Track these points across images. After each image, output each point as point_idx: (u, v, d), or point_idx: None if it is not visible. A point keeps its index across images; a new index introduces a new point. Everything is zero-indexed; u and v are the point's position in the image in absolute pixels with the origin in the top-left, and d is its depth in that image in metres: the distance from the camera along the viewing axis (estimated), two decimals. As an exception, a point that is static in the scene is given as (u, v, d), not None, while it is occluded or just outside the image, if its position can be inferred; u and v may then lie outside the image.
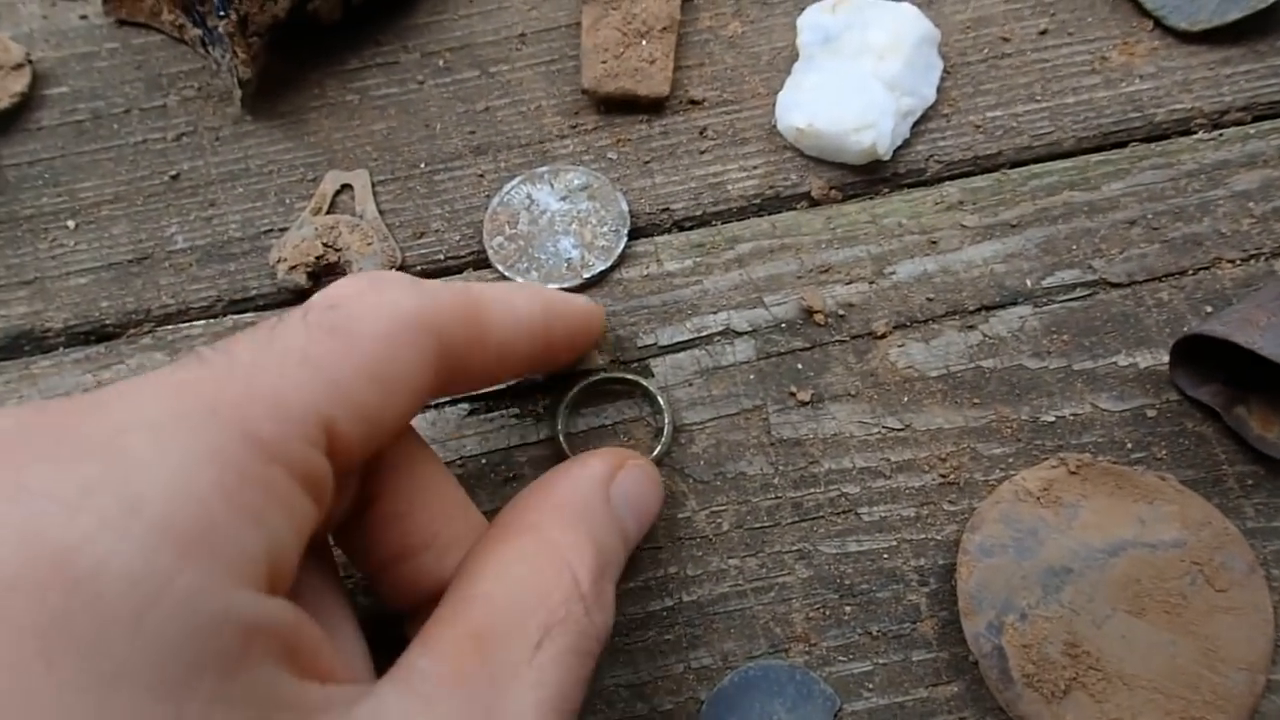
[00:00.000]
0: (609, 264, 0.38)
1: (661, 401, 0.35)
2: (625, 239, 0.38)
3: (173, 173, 0.42)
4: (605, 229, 0.39)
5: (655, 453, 0.34)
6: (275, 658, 0.19)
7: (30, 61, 0.43)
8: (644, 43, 0.42)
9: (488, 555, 0.24)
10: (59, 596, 0.16)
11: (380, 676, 0.22)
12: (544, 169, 0.40)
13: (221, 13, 0.38)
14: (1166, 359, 0.36)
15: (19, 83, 0.43)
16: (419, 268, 0.39)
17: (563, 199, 0.40)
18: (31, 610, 0.16)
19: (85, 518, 0.17)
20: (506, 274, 0.38)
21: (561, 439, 0.35)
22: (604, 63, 0.41)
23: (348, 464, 0.22)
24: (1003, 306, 0.37)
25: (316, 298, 0.23)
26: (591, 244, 0.39)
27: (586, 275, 0.38)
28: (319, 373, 0.21)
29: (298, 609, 0.20)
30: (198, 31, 0.43)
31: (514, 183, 0.40)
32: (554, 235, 0.39)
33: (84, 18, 0.45)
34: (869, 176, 0.40)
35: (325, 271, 0.39)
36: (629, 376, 0.35)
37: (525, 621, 0.22)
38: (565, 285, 0.38)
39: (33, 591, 0.16)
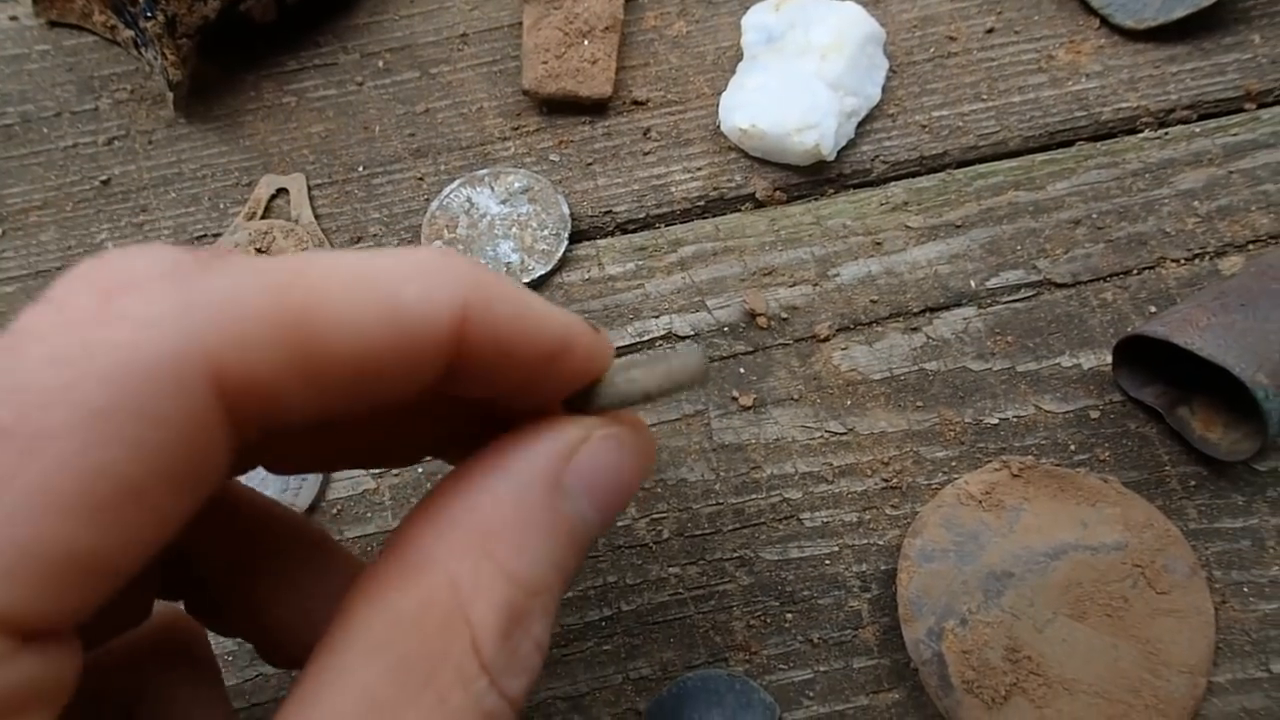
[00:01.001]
0: (549, 268, 0.37)
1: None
2: (566, 242, 0.38)
3: (104, 178, 0.41)
4: (546, 232, 0.38)
5: None
6: None
7: (-43, 64, 0.42)
8: (586, 43, 0.41)
9: (362, 609, 0.17)
10: None
11: None
12: (484, 171, 0.39)
13: (148, 14, 0.37)
14: (1110, 360, 0.35)
15: (-55, 86, 0.41)
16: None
17: (503, 202, 0.39)
18: None
19: None
20: None
21: None
22: (545, 63, 0.41)
23: (71, 629, 0.15)
24: (947, 308, 0.37)
25: None
26: (532, 248, 0.38)
27: (526, 279, 0.37)
28: None
29: None
30: (130, 33, 0.42)
31: (453, 186, 0.39)
32: (494, 239, 0.38)
33: (14, 19, 0.44)
34: (814, 177, 0.40)
35: (259, 278, 0.38)
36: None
37: (401, 712, 0.16)
38: None
39: None
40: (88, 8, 0.43)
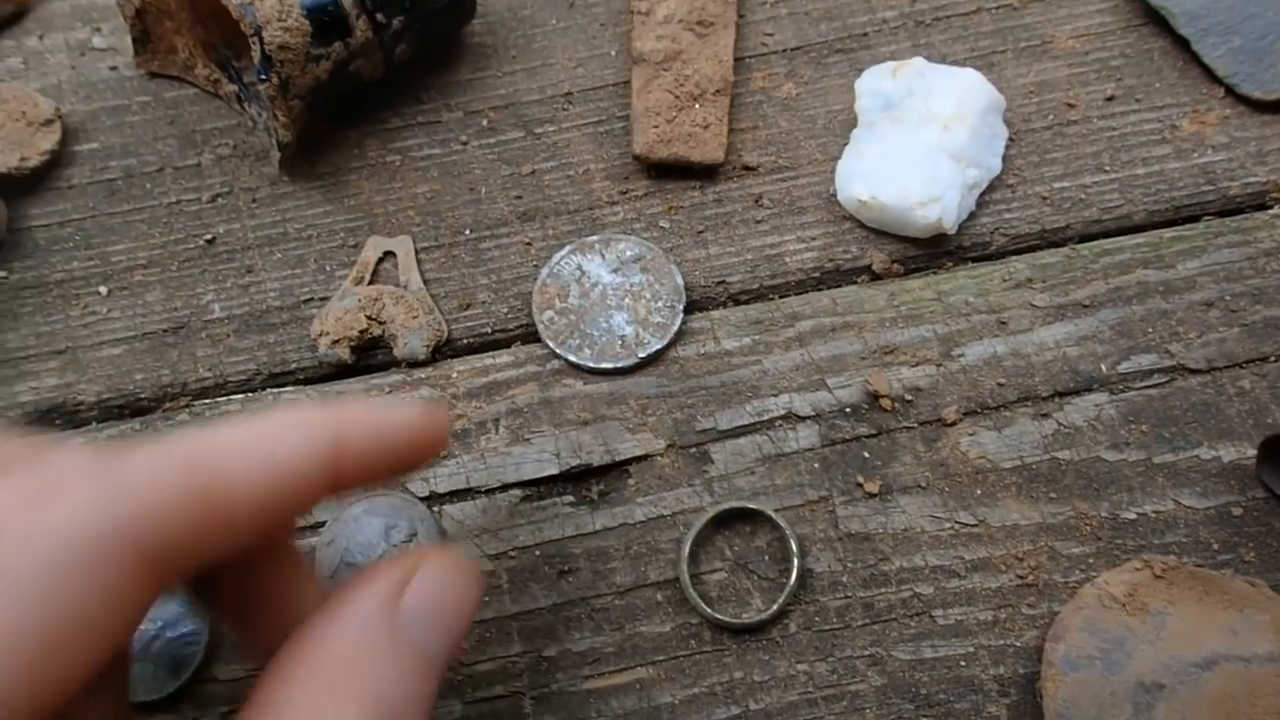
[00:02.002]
0: (665, 342, 0.37)
1: (791, 542, 0.33)
2: (681, 315, 0.37)
3: (208, 236, 0.40)
4: (660, 304, 0.37)
5: (781, 598, 0.33)
6: None
7: (60, 116, 0.42)
8: (697, 106, 0.40)
9: None
10: None
11: None
12: (594, 238, 0.39)
13: (263, 76, 0.36)
14: (1251, 452, 0.34)
15: (49, 140, 0.41)
16: (465, 340, 0.38)
17: (615, 271, 0.38)
18: None
19: None
20: (558, 350, 0.37)
21: (685, 581, 0.33)
22: (656, 127, 0.40)
23: None
24: (1077, 393, 0.36)
25: None
26: (646, 320, 0.37)
27: (642, 354, 0.36)
28: None
29: None
30: (233, 87, 0.42)
31: (564, 252, 0.38)
32: (606, 310, 0.37)
33: (114, 69, 0.44)
34: (932, 250, 0.39)
35: (369, 345, 0.38)
36: (751, 507, 0.34)
37: None
38: (620, 364, 0.36)
39: None
40: (190, 60, 0.42)
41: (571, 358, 0.37)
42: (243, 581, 0.23)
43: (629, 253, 0.38)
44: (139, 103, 0.43)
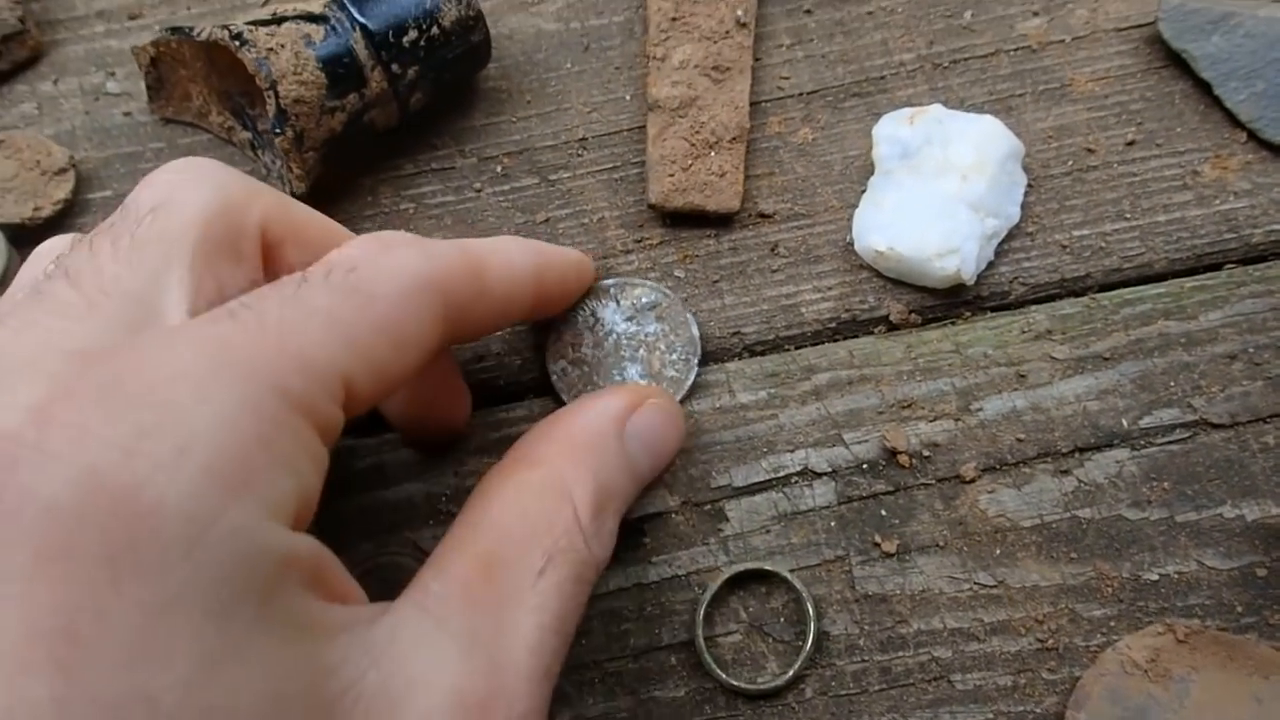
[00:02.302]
0: (679, 397, 0.36)
1: (808, 605, 0.33)
2: (696, 369, 0.37)
3: (221, 287, 0.40)
4: (674, 356, 0.37)
5: (797, 663, 0.32)
6: (304, 585, 0.21)
7: (74, 165, 0.42)
8: (713, 154, 0.40)
9: (498, 485, 0.26)
10: (123, 529, 0.18)
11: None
12: (609, 282, 0.38)
13: (277, 129, 0.36)
14: (1276, 512, 0.33)
15: (62, 189, 0.41)
16: (477, 393, 0.38)
17: (629, 319, 0.38)
18: (100, 540, 0.18)
19: (141, 461, 0.19)
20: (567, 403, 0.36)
21: (701, 646, 0.33)
22: (671, 176, 0.40)
23: (357, 411, 0.24)
24: (1098, 449, 0.35)
25: (335, 258, 0.24)
26: (660, 374, 0.37)
27: None
28: (341, 332, 0.23)
29: (319, 543, 0.22)
30: (247, 134, 0.41)
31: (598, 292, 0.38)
32: (620, 362, 0.37)
33: (128, 114, 0.44)
34: (951, 300, 0.38)
35: (382, 400, 0.37)
36: (767, 568, 0.33)
37: (529, 549, 0.24)
38: None
39: (100, 524, 0.18)
40: (204, 108, 0.42)
41: None
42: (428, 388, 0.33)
43: (645, 299, 0.38)
44: (153, 149, 0.43)
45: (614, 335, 0.37)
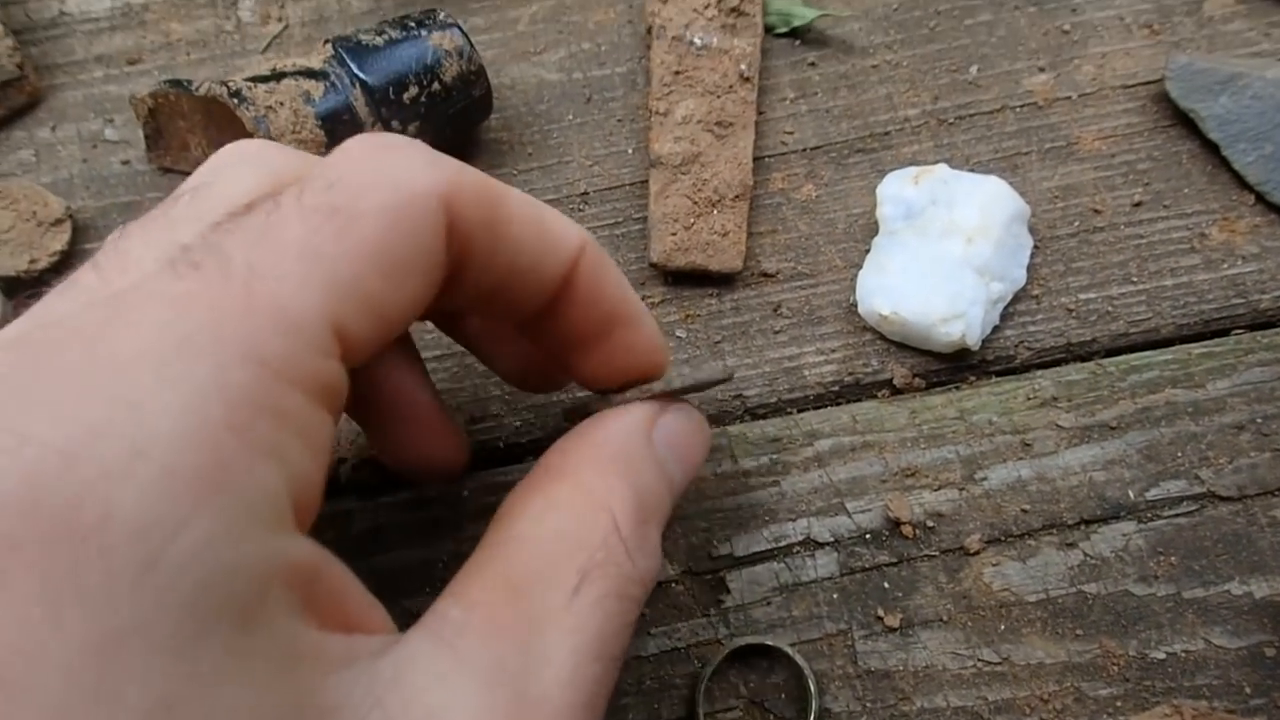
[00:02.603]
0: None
1: (809, 681, 0.32)
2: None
3: (217, 342, 0.39)
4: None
5: None
6: (294, 606, 0.18)
7: (70, 215, 0.41)
8: (715, 213, 0.40)
9: (524, 501, 0.23)
10: (65, 552, 0.15)
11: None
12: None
13: (276, 189, 0.36)
14: (1285, 590, 0.33)
15: (59, 240, 0.41)
16: (476, 455, 0.37)
17: None
18: (37, 568, 0.15)
19: (87, 467, 0.16)
20: None
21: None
22: (673, 235, 0.39)
23: (361, 359, 0.21)
24: (1104, 521, 0.35)
25: (315, 170, 0.21)
26: None
27: None
28: (321, 267, 0.19)
29: (322, 549, 0.19)
30: (246, 186, 0.41)
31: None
32: None
33: (126, 163, 0.43)
34: (955, 364, 0.38)
35: (372, 459, 0.37)
36: (768, 643, 0.33)
37: (562, 566, 0.21)
38: None
39: (37, 549, 0.15)
40: (203, 158, 0.41)
41: None
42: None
43: None
44: (151, 199, 0.43)
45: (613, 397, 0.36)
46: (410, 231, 0.21)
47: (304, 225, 0.19)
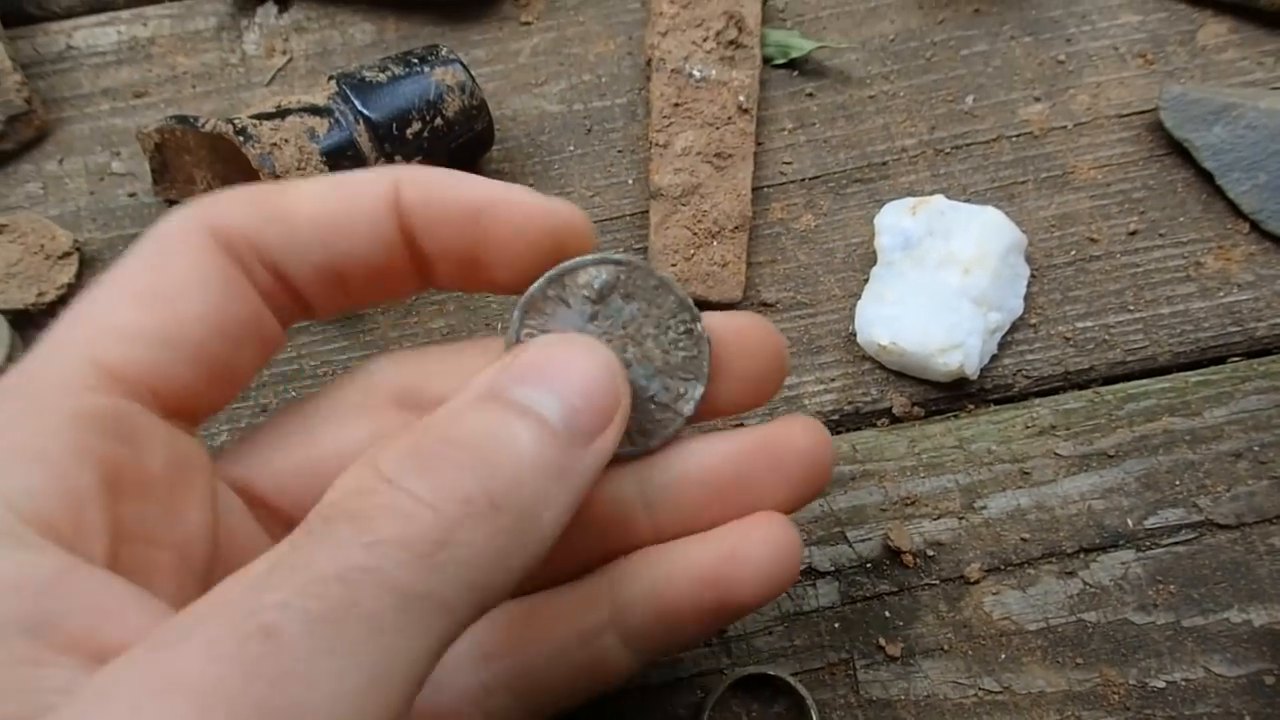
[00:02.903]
0: (704, 371, 0.26)
1: (812, 711, 0.32)
2: (707, 336, 0.26)
3: (223, 374, 0.40)
4: (671, 334, 0.26)
5: None
6: (17, 628, 0.16)
7: (78, 248, 0.42)
8: (715, 244, 0.40)
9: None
10: None
11: None
12: (539, 285, 0.25)
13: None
14: (1283, 618, 0.33)
15: (66, 273, 0.41)
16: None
17: (592, 317, 0.26)
18: None
19: None
20: None
21: None
22: (674, 266, 0.40)
23: (169, 382, 0.22)
24: (1103, 549, 0.35)
25: None
26: (668, 365, 0.26)
27: (688, 409, 0.26)
28: (78, 309, 0.22)
29: (77, 566, 0.18)
30: (251, 219, 0.41)
31: (514, 322, 0.25)
32: None
33: (133, 195, 0.44)
34: (954, 392, 0.38)
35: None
36: (770, 673, 0.33)
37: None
38: (669, 432, 0.26)
39: None
40: (208, 192, 0.42)
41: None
42: None
43: (597, 282, 0.26)
44: (157, 231, 0.43)
45: None
46: (161, 265, 0.22)
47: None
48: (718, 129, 0.42)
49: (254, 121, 0.37)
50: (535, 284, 0.25)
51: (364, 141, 0.37)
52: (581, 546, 0.26)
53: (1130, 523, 0.35)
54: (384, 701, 0.17)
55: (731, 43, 0.43)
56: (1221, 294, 0.39)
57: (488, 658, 0.26)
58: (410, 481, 0.18)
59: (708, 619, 0.25)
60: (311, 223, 0.23)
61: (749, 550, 0.25)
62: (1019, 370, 0.38)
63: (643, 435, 0.26)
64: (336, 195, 0.23)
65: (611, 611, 0.26)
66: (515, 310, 0.25)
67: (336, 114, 0.38)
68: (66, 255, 0.41)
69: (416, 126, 0.38)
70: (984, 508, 0.36)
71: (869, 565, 0.35)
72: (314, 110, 0.37)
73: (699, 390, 0.26)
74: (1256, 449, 0.36)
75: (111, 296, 0.21)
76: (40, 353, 0.21)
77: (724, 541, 0.25)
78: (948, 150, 0.43)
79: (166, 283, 0.22)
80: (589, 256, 0.26)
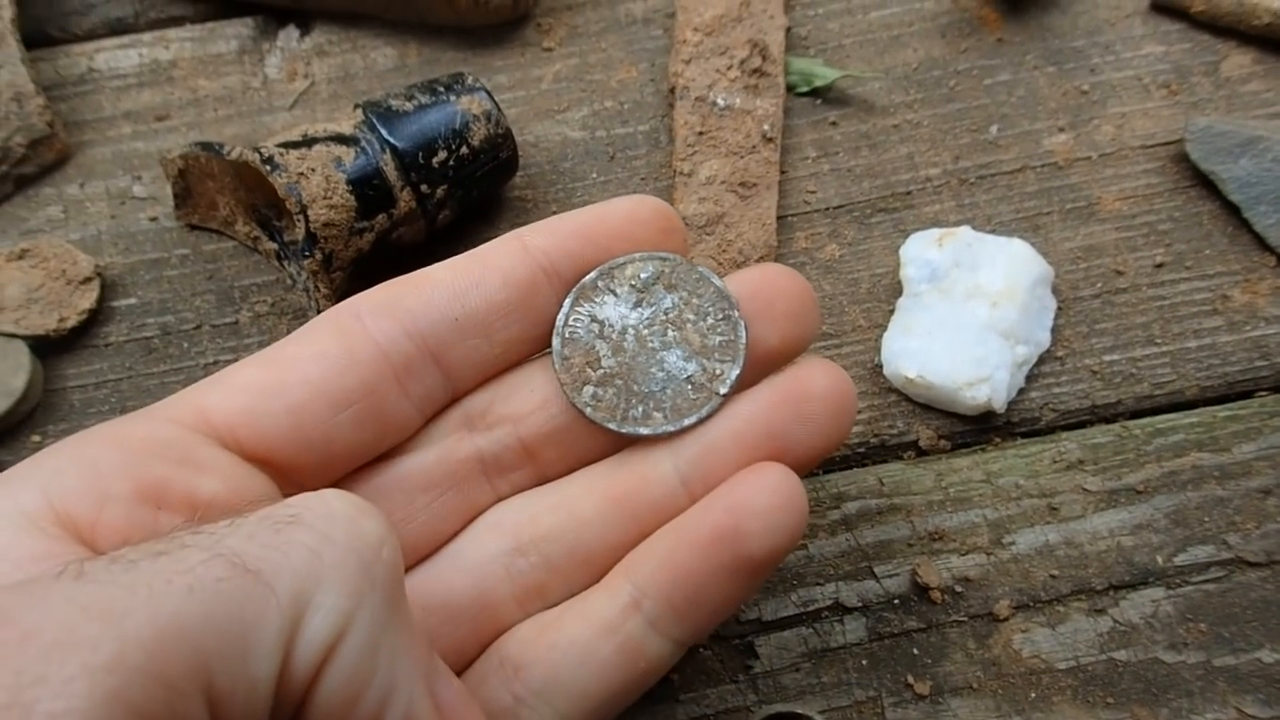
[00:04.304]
0: (739, 358, 0.29)
1: None
2: (743, 322, 0.29)
3: (245, 401, 0.40)
4: (709, 320, 0.29)
5: None
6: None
7: (99, 273, 0.42)
8: (741, 273, 0.40)
9: None
10: None
11: None
12: (593, 275, 0.29)
13: (306, 253, 0.36)
14: (1316, 659, 0.33)
15: (87, 299, 0.41)
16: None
17: (637, 305, 0.29)
18: None
19: None
20: (621, 430, 0.29)
21: None
22: (700, 295, 0.39)
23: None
24: (1133, 587, 0.35)
25: None
26: (705, 347, 0.29)
27: (723, 389, 0.28)
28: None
29: (75, 554, 0.20)
30: (273, 245, 0.41)
31: (565, 310, 0.29)
32: (653, 355, 0.29)
33: (154, 219, 0.44)
34: (981, 425, 0.38)
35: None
36: (799, 711, 0.33)
37: None
38: (704, 412, 0.28)
39: None
40: (230, 217, 0.42)
41: (644, 431, 0.29)
42: None
43: (644, 274, 0.30)
44: (178, 255, 0.43)
45: (630, 331, 0.30)
46: (297, 338, 0.27)
47: None
48: (742, 158, 0.42)
49: (280, 150, 0.36)
50: (588, 275, 0.29)
51: (390, 170, 0.37)
52: (626, 540, 0.28)
53: (1160, 560, 0.35)
54: None
55: (755, 71, 0.43)
56: (1249, 328, 0.39)
57: (516, 668, 0.26)
58: None
59: (725, 580, 0.26)
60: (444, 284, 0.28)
61: (751, 499, 0.26)
62: (1046, 404, 0.38)
63: (676, 413, 0.29)
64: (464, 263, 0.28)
65: (631, 594, 0.26)
66: (566, 299, 0.29)
67: (363, 142, 0.37)
68: (88, 280, 0.41)
69: (442, 155, 0.38)
70: (1012, 543, 0.35)
71: (897, 601, 0.35)
72: (340, 139, 0.37)
73: (735, 371, 0.29)
74: (1286, 486, 0.36)
75: (250, 359, 0.26)
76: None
77: (726, 497, 0.26)
78: (972, 180, 0.43)
79: (292, 350, 0.25)
80: (639, 253, 0.29)
